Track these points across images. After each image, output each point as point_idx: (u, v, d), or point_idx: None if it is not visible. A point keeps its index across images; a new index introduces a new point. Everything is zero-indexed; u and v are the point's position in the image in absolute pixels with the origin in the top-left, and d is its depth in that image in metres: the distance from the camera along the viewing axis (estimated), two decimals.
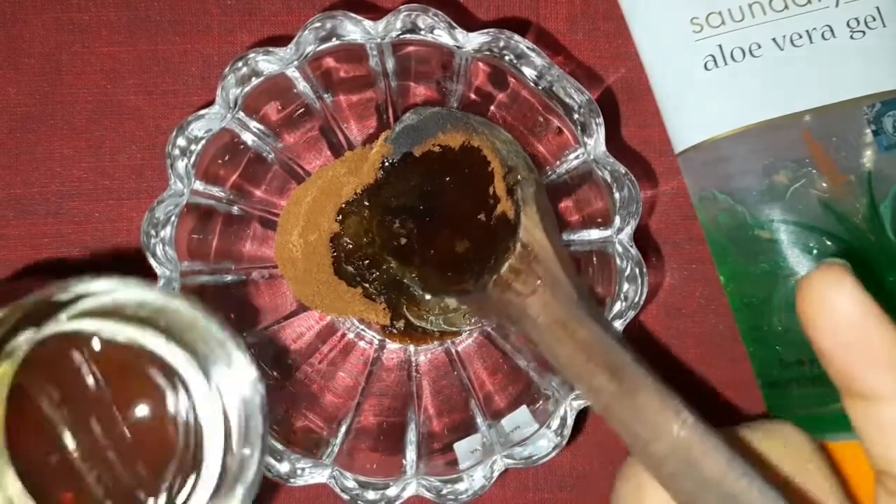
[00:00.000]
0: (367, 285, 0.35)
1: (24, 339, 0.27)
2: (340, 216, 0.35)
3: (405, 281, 0.34)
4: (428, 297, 0.34)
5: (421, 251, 0.34)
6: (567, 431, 0.32)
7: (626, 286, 0.32)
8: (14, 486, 0.27)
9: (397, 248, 0.34)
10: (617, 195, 0.31)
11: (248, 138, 0.33)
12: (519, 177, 0.32)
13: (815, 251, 0.32)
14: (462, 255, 0.33)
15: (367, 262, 0.35)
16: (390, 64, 0.33)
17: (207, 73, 0.36)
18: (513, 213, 0.31)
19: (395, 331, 0.36)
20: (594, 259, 0.33)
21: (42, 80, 0.37)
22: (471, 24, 0.34)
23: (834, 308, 0.25)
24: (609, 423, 0.28)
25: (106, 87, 0.37)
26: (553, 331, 0.29)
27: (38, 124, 0.37)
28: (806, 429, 0.32)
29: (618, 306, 0.32)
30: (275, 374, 0.35)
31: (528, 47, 0.31)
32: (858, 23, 0.33)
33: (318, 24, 0.31)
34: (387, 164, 0.34)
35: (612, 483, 0.35)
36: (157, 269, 0.32)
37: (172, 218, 0.32)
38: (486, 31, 0.31)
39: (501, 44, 0.31)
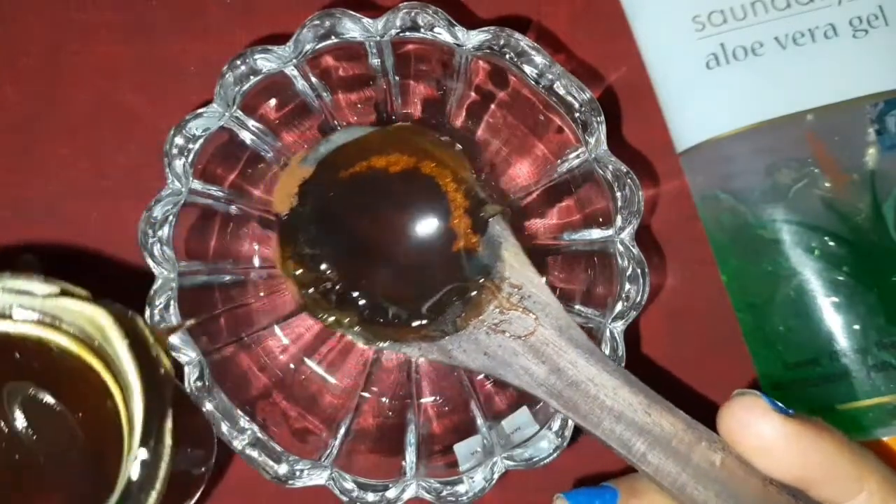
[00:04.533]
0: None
1: None
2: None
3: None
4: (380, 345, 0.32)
5: (360, 292, 0.32)
6: (568, 433, 0.32)
7: (627, 286, 0.32)
8: None
9: (325, 291, 0.32)
10: (618, 194, 0.31)
11: (246, 137, 0.33)
12: (490, 210, 0.31)
13: (817, 251, 0.32)
14: (414, 297, 0.32)
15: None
16: (390, 62, 0.33)
17: (206, 72, 0.36)
18: (481, 249, 0.31)
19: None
20: (595, 259, 0.33)
21: (40, 80, 0.37)
22: (471, 22, 0.34)
23: (757, 434, 0.27)
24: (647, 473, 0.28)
25: (104, 86, 0.37)
26: (558, 378, 0.30)
27: (37, 124, 0.37)
28: None
29: (619, 306, 0.32)
30: (277, 373, 0.35)
31: (528, 45, 0.31)
32: (861, 21, 0.33)
33: (317, 22, 0.31)
34: (306, 190, 0.32)
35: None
36: (155, 269, 0.32)
37: (170, 217, 0.32)
38: (486, 28, 0.31)
39: (502, 42, 0.31)
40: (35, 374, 0.28)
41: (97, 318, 0.28)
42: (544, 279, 0.31)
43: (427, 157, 0.31)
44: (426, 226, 0.31)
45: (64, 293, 0.28)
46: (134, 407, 0.27)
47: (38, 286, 0.28)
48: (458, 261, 0.31)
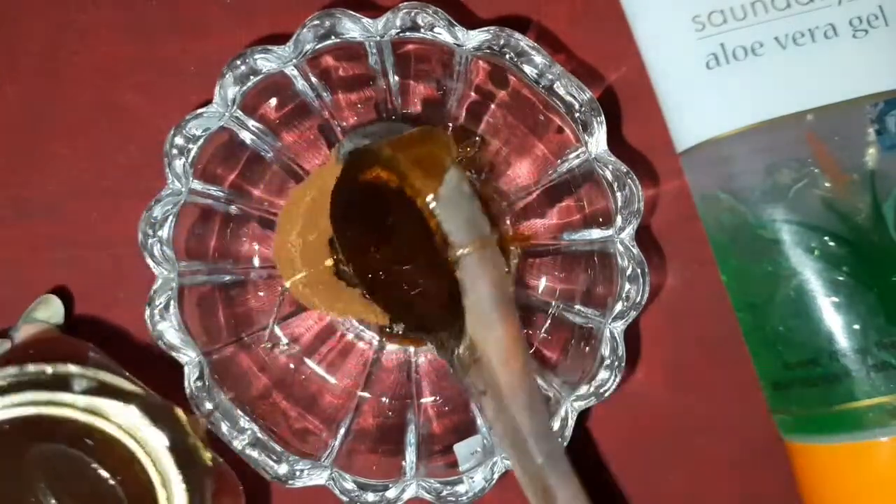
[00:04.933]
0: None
1: None
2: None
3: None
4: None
5: (380, 285, 0.32)
6: (568, 433, 0.32)
7: (627, 286, 0.32)
8: None
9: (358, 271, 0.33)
10: (619, 194, 0.31)
11: (246, 137, 0.33)
12: (459, 251, 0.28)
13: (817, 251, 0.32)
14: (414, 306, 0.32)
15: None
16: (390, 62, 0.33)
17: (206, 72, 0.36)
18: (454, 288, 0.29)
19: (394, 333, 0.36)
20: (595, 259, 0.33)
21: (40, 80, 0.37)
22: (471, 22, 0.34)
23: None
24: None
25: (104, 86, 0.37)
26: (502, 442, 0.29)
27: (36, 124, 0.37)
28: (808, 430, 0.32)
29: (619, 306, 0.32)
30: (277, 373, 0.35)
31: (528, 45, 0.31)
32: (861, 21, 0.32)
33: (316, 22, 0.31)
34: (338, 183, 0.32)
35: (611, 484, 0.35)
36: (155, 269, 0.32)
37: (170, 217, 0.32)
38: (486, 28, 0.31)
39: (502, 42, 0.31)
40: (85, 449, 0.30)
41: (132, 417, 0.29)
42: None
43: (405, 180, 0.30)
44: (414, 244, 0.30)
45: (103, 388, 0.30)
46: (174, 498, 0.29)
47: (78, 382, 0.30)
48: (440, 286, 0.30)
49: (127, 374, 0.31)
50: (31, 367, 0.29)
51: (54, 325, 0.34)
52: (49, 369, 0.29)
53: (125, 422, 0.30)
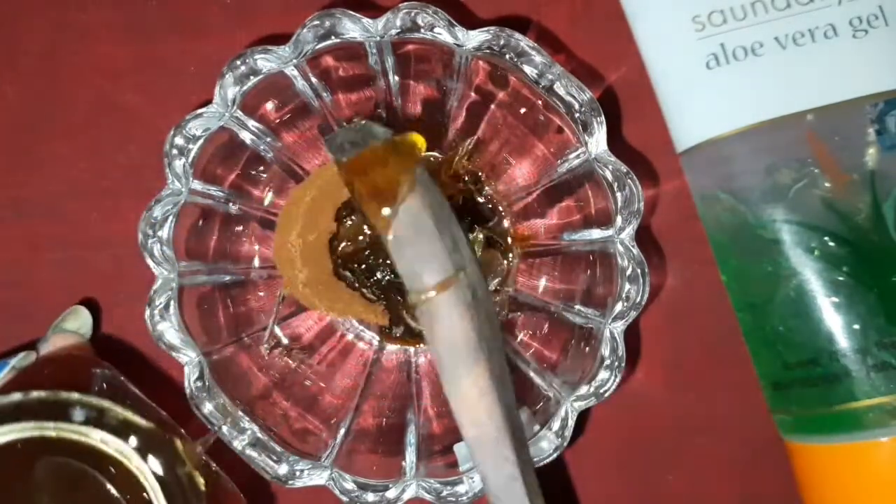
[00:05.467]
0: (364, 290, 0.35)
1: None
2: (337, 217, 0.35)
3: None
4: None
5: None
6: (568, 433, 0.32)
7: (627, 286, 0.32)
8: None
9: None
10: (618, 195, 0.31)
11: (246, 137, 0.33)
12: (414, 298, 0.26)
13: (817, 251, 0.32)
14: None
15: (363, 266, 0.35)
16: (390, 62, 0.33)
17: (206, 73, 0.36)
18: None
19: (393, 335, 0.36)
20: (595, 259, 0.33)
21: (40, 80, 0.37)
22: (471, 22, 0.34)
23: None
24: None
25: (104, 86, 0.37)
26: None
27: (36, 124, 0.37)
28: (808, 430, 0.32)
29: (619, 307, 0.32)
30: (277, 373, 0.35)
31: (528, 45, 0.31)
32: (861, 21, 0.32)
33: (316, 23, 0.31)
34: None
35: (609, 485, 0.35)
36: (155, 269, 0.32)
37: (170, 217, 0.32)
38: (486, 29, 0.31)
39: (502, 42, 0.31)
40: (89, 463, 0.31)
41: (126, 449, 0.30)
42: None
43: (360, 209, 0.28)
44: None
45: (101, 417, 0.30)
46: None
47: (78, 412, 0.30)
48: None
49: (133, 390, 0.32)
50: (35, 395, 0.30)
51: (82, 336, 0.35)
52: (51, 397, 0.30)
53: (120, 452, 0.30)
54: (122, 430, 0.30)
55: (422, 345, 0.36)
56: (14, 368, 0.32)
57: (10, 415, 0.30)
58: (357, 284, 0.35)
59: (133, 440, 0.30)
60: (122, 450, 0.30)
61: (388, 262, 0.34)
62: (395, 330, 0.35)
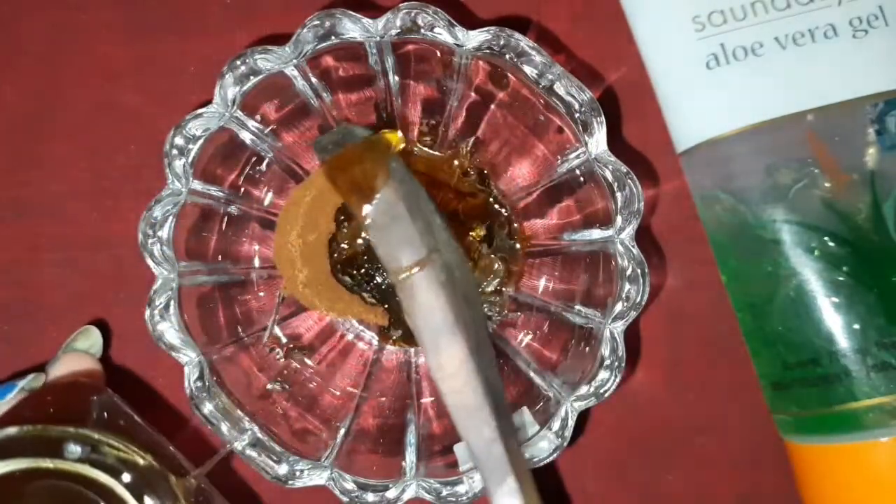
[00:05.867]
0: (364, 294, 0.35)
1: None
2: (336, 220, 0.35)
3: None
4: None
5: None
6: (568, 433, 0.32)
7: (627, 287, 0.32)
8: None
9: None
10: (618, 195, 0.31)
11: (246, 137, 0.33)
12: (392, 277, 0.28)
13: (817, 251, 0.32)
14: None
15: (362, 270, 0.35)
16: (390, 62, 0.32)
17: (206, 73, 0.36)
18: None
19: (392, 337, 0.36)
20: (595, 259, 0.33)
21: (40, 80, 0.37)
22: (471, 22, 0.34)
23: None
24: None
25: (104, 86, 0.37)
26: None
27: (36, 124, 0.37)
28: (808, 430, 0.32)
29: (619, 307, 0.32)
30: (277, 373, 0.35)
31: (528, 45, 0.31)
32: (861, 22, 0.32)
33: (316, 23, 0.31)
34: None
35: (609, 485, 0.35)
36: (155, 270, 0.32)
37: (170, 217, 0.32)
38: (486, 29, 0.31)
39: (502, 42, 0.31)
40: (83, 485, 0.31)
41: (116, 488, 0.30)
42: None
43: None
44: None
45: (95, 453, 0.31)
46: None
47: (71, 449, 0.30)
48: None
49: (132, 416, 0.32)
50: (28, 429, 0.30)
51: (93, 355, 0.35)
52: (44, 433, 0.30)
53: (112, 490, 0.31)
54: (115, 467, 0.30)
55: (416, 347, 0.36)
56: (23, 390, 0.33)
57: (5, 449, 0.30)
58: (357, 288, 0.35)
59: (126, 476, 0.30)
60: (115, 488, 0.30)
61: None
62: (394, 332, 0.35)
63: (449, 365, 0.28)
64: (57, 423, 0.30)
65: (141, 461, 0.31)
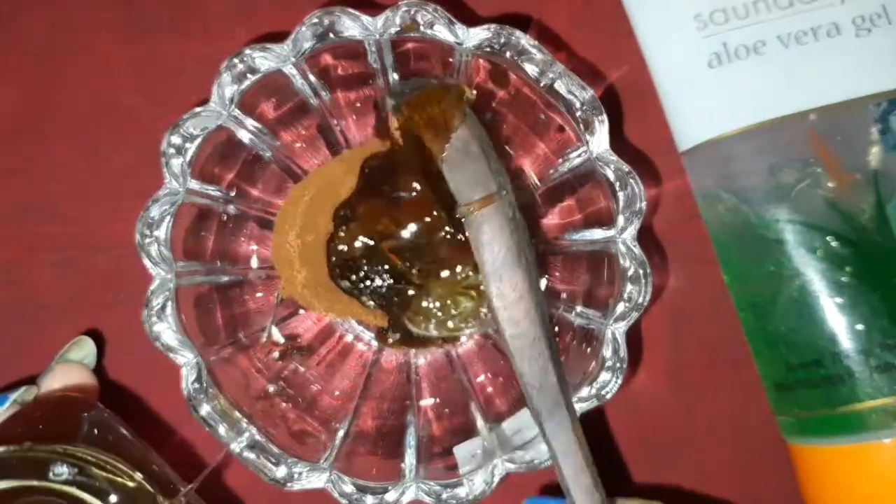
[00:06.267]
0: (364, 298, 0.35)
1: None
2: (335, 222, 0.35)
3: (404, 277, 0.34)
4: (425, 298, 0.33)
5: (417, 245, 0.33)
6: None
7: (629, 287, 0.31)
8: None
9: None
10: (620, 194, 0.31)
11: (244, 136, 0.33)
12: (464, 209, 0.31)
13: (820, 251, 0.32)
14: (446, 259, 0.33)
15: (361, 275, 0.35)
16: (389, 61, 0.32)
17: (204, 72, 0.36)
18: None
19: (389, 340, 0.36)
20: (597, 259, 0.33)
21: (38, 80, 0.37)
22: (471, 20, 0.34)
23: None
24: None
25: (103, 86, 0.37)
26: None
27: (35, 124, 0.37)
28: (811, 431, 0.32)
29: (621, 307, 0.32)
30: (275, 374, 0.35)
31: (529, 44, 0.31)
32: (864, 20, 0.32)
33: (315, 21, 0.31)
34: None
35: (611, 487, 0.35)
36: (152, 270, 0.32)
37: (167, 217, 0.32)
38: (486, 27, 0.31)
39: (502, 40, 0.31)
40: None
41: None
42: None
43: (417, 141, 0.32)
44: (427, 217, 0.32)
45: (82, 475, 0.31)
46: None
47: (58, 469, 0.31)
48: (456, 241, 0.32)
49: (122, 433, 0.32)
50: (13, 449, 0.30)
51: (87, 366, 0.35)
52: (31, 454, 0.30)
53: None
54: (102, 489, 0.30)
55: (416, 349, 0.35)
56: (15, 402, 0.32)
57: None
58: (356, 293, 0.35)
59: (113, 498, 0.30)
60: None
61: (387, 267, 0.34)
62: (392, 336, 0.35)
63: (511, 294, 0.30)
64: (47, 440, 0.30)
65: (129, 483, 0.31)
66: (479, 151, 0.31)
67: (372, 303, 0.35)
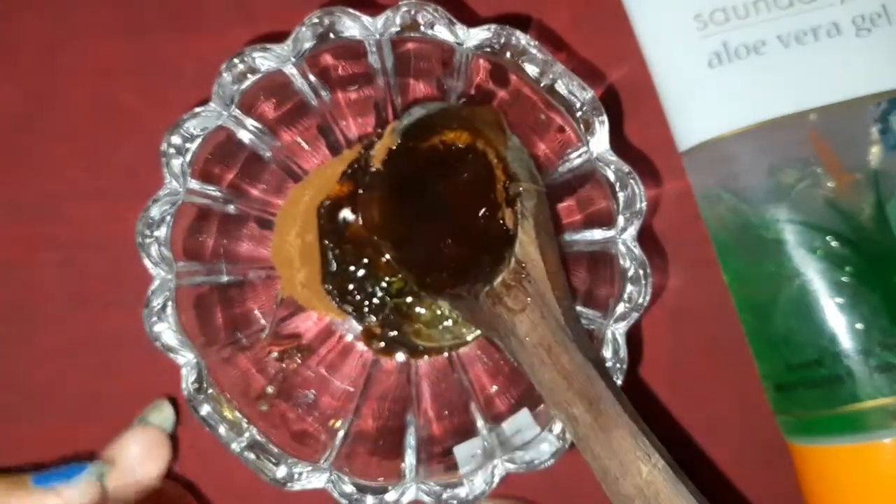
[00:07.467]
0: (368, 317, 0.35)
1: None
2: (322, 249, 0.35)
3: (401, 278, 0.34)
4: (422, 295, 0.34)
5: (419, 248, 0.33)
6: (570, 436, 0.32)
7: (629, 288, 0.31)
8: None
9: (397, 240, 0.34)
10: (620, 195, 0.31)
11: (244, 136, 0.33)
12: (521, 188, 0.32)
13: (820, 251, 0.32)
14: (459, 259, 0.33)
15: (364, 294, 0.35)
16: (389, 61, 0.32)
17: (204, 72, 0.36)
18: (512, 224, 0.31)
19: (373, 346, 0.36)
20: (597, 260, 0.33)
21: (37, 80, 0.37)
22: (471, 20, 0.34)
23: None
24: (581, 453, 0.30)
25: (102, 86, 0.37)
26: (538, 353, 0.31)
27: (35, 124, 0.37)
28: (811, 431, 0.32)
29: (621, 308, 0.32)
30: (275, 374, 0.35)
31: (529, 44, 0.31)
32: (864, 20, 0.32)
33: (316, 21, 0.31)
34: (390, 155, 0.34)
35: None
36: (152, 270, 0.32)
37: (168, 217, 0.32)
38: (486, 27, 0.31)
39: (503, 40, 0.31)
40: None
41: None
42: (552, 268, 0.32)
43: (479, 134, 0.33)
44: (478, 196, 0.33)
45: None
46: None
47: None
48: (495, 231, 0.32)
49: None
50: None
51: (165, 430, 0.35)
52: None
53: None
54: None
55: (395, 357, 0.36)
56: (91, 474, 0.33)
57: None
58: (358, 313, 0.35)
59: None
60: None
61: (389, 280, 0.34)
62: (376, 343, 0.35)
63: (554, 262, 0.32)
64: None
65: None
66: (527, 151, 0.33)
67: (374, 318, 0.35)
